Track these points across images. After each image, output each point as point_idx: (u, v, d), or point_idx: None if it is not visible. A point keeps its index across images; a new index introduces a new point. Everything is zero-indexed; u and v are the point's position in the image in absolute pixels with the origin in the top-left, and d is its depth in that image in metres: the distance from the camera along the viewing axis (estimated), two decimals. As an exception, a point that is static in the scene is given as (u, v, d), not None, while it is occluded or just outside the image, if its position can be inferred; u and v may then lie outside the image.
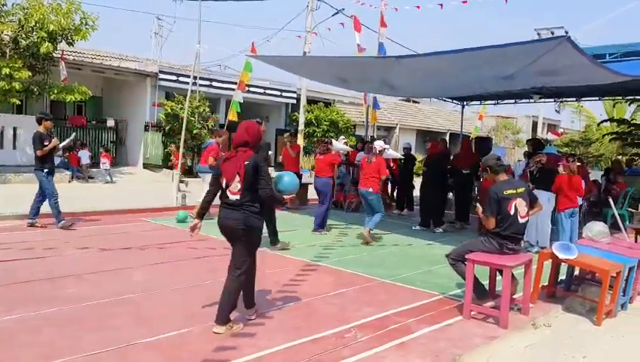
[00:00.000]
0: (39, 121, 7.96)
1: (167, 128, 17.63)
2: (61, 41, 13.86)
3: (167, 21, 36.55)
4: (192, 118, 16.72)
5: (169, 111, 17.38)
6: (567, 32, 8.38)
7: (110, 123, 18.41)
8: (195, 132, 17.01)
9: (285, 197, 4.44)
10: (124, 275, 5.72)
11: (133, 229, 8.49)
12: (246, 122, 4.35)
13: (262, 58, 11.14)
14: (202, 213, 4.43)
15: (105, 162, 15.63)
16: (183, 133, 11.67)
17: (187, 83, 12.23)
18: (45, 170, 7.80)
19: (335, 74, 10.30)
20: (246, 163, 4.06)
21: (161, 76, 18.52)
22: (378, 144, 8.49)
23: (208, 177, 9.52)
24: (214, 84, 19.84)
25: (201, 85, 18.21)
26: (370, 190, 8.10)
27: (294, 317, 4.64)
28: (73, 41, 13.97)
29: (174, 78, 18.79)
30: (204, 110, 17.58)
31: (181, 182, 13.33)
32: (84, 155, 15.43)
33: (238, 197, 4.10)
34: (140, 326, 4.19)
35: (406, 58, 8.38)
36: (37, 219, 8.03)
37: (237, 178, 4.07)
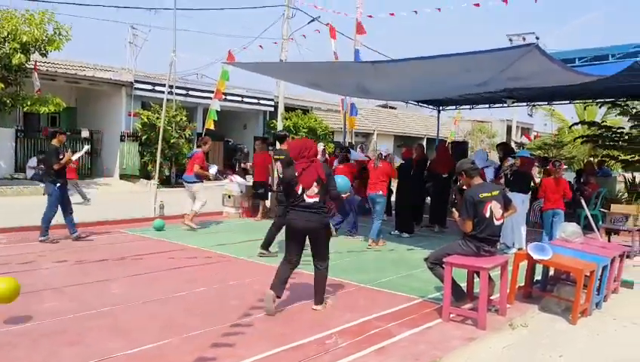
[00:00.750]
0: (53, 135, 8.20)
1: (143, 138, 17.46)
2: (34, 52, 13.64)
3: (142, 30, 36.27)
4: (169, 128, 16.60)
5: (145, 120, 17.22)
6: (537, 38, 8.57)
7: (85, 134, 18.07)
8: (172, 141, 16.88)
9: (342, 195, 5.53)
10: (102, 287, 5.64)
11: (110, 241, 8.37)
12: (305, 140, 5.53)
13: (237, 65, 11.15)
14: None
15: None
16: (160, 142, 11.57)
17: (163, 92, 12.13)
18: (58, 184, 7.85)
19: (309, 79, 10.33)
20: (325, 170, 4.92)
21: (137, 85, 18.33)
22: (384, 149, 8.89)
23: (196, 187, 9.32)
24: (191, 92, 19.74)
25: (177, 94, 18.10)
26: (380, 193, 8.49)
27: (275, 325, 4.63)
28: (46, 51, 13.76)
29: (150, 87, 18.64)
30: (181, 119, 17.48)
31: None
32: None
33: (316, 199, 4.87)
34: (118, 339, 4.14)
35: (382, 63, 8.46)
36: (77, 230, 8.18)
37: (315, 183, 4.82)
